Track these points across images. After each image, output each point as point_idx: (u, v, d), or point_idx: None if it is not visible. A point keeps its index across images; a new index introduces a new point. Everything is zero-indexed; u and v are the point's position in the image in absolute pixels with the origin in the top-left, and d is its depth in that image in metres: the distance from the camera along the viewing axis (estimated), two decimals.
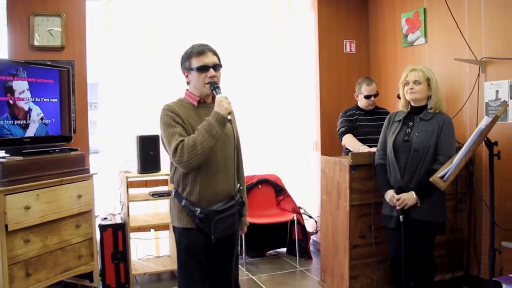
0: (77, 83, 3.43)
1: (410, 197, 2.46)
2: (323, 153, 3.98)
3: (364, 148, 3.10)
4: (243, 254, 3.74)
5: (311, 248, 4.08)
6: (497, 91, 3.01)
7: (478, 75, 3.11)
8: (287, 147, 4.21)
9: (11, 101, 2.77)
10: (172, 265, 3.50)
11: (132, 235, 3.48)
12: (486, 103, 3.08)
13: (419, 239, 2.52)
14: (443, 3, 3.25)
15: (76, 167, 3.03)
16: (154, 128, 3.27)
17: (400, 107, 2.69)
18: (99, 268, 3.25)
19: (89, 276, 3.15)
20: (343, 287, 2.90)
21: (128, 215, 3.36)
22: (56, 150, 2.96)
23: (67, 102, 3.14)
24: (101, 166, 3.59)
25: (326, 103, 4.16)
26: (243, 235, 3.23)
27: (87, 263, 3.08)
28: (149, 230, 3.68)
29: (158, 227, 3.67)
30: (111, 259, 3.27)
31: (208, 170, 1.96)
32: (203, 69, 1.96)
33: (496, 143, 2.48)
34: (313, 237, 4.18)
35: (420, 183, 2.47)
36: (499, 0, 2.97)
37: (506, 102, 2.94)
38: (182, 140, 1.87)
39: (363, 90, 3.42)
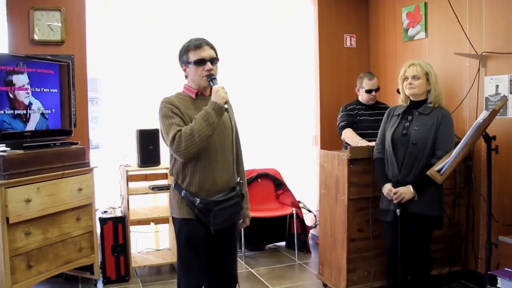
0: (77, 77, 3.44)
1: (407, 191, 2.47)
2: (323, 147, 3.98)
3: (363, 143, 3.10)
4: (242, 248, 3.77)
5: (310, 242, 4.10)
6: (497, 86, 3.00)
7: (478, 69, 3.10)
8: (286, 142, 4.22)
9: (11, 95, 2.79)
10: (172, 258, 3.53)
11: (132, 228, 3.51)
12: (486, 97, 3.07)
13: (415, 233, 2.53)
14: None
15: (76, 161, 3.06)
16: (153, 122, 3.28)
17: (400, 101, 2.69)
18: (99, 260, 3.29)
19: (89, 268, 3.20)
20: (341, 280, 2.92)
21: (128, 208, 3.39)
22: (57, 144, 2.99)
23: (67, 94, 3.15)
24: (101, 160, 3.62)
25: (326, 97, 4.16)
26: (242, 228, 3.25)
27: (87, 255, 3.12)
28: (149, 224, 3.71)
29: (158, 221, 3.69)
30: (111, 251, 3.30)
31: (207, 160, 1.98)
32: (200, 62, 1.98)
33: (494, 137, 2.46)
34: (312, 231, 4.20)
35: (417, 177, 2.47)
36: None
37: (506, 97, 2.93)
38: (180, 130, 1.90)
39: (364, 84, 3.42)
